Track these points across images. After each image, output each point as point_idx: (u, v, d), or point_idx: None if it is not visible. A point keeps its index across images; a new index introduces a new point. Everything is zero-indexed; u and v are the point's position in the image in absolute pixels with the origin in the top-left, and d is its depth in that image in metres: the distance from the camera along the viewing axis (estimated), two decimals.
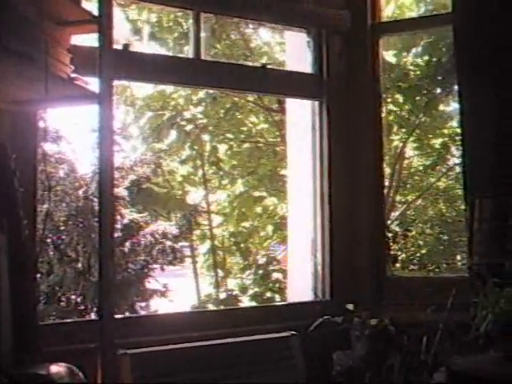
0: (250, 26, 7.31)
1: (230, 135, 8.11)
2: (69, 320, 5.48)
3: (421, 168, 7.43)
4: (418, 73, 6.59)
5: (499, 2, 3.19)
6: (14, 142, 2.52)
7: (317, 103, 3.71)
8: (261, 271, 7.57)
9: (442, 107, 6.98)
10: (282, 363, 3.06)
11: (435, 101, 6.75)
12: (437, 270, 6.81)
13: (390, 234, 3.87)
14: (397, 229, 6.55)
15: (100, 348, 2.00)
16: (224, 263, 8.39)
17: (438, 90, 6.67)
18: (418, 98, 6.66)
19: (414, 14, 6.26)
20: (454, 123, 6.70)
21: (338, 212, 3.63)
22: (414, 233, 7.11)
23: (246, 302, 7.06)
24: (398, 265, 6.31)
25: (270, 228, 8.01)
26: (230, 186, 8.32)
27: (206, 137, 8.16)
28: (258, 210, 7.96)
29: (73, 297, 6.82)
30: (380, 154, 3.73)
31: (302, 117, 3.84)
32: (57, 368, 2.20)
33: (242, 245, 8.16)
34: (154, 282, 7.78)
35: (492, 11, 3.18)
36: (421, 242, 7.14)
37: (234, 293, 7.55)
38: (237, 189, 8.13)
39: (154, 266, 7.74)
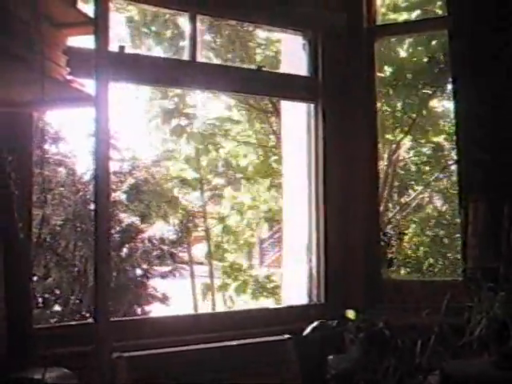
0: (247, 28, 7.31)
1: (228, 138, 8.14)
2: (64, 323, 5.45)
3: (416, 169, 7.43)
4: (413, 71, 6.58)
5: (494, 4, 3.19)
6: (10, 145, 2.52)
7: (312, 106, 3.72)
8: (256, 273, 7.58)
9: (436, 105, 6.97)
10: (277, 366, 3.05)
11: (429, 99, 6.75)
12: (431, 272, 6.82)
13: (384, 237, 3.87)
14: (392, 231, 6.56)
15: (95, 351, 1.99)
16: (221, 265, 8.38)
17: (433, 89, 6.66)
18: (412, 96, 6.66)
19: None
20: (448, 122, 6.71)
21: (332, 215, 3.63)
22: (409, 235, 7.12)
23: (241, 304, 7.06)
24: (393, 268, 6.33)
25: (265, 229, 8.01)
26: (227, 189, 8.33)
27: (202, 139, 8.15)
28: (254, 211, 7.96)
29: (69, 300, 6.79)
30: (375, 157, 3.73)
31: (297, 119, 3.84)
32: (52, 372, 2.20)
33: (239, 246, 8.17)
34: (152, 288, 7.73)
35: (487, 13, 3.19)
36: (415, 246, 7.15)
37: (230, 294, 7.56)
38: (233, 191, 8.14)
39: (152, 269, 7.70)
